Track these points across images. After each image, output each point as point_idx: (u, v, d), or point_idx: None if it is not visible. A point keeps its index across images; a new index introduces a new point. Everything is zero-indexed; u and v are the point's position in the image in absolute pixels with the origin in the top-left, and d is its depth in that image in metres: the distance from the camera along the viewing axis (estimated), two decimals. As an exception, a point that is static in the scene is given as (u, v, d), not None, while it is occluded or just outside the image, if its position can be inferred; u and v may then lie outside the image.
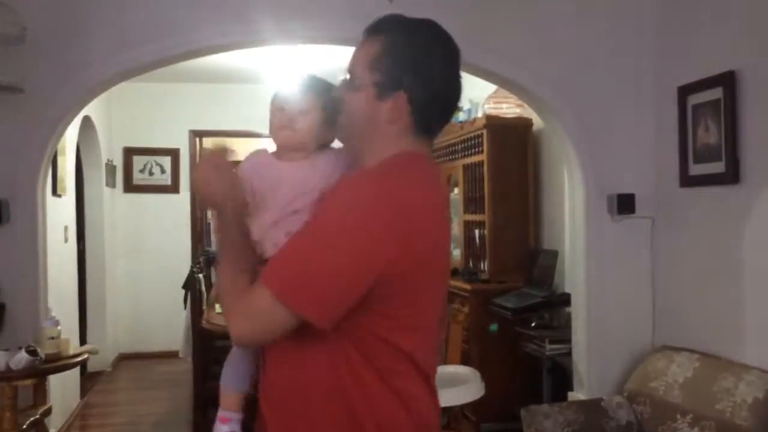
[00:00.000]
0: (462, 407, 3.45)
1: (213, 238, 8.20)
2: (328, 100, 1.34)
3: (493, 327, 4.10)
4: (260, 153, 1.39)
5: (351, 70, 1.29)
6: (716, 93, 3.00)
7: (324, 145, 1.38)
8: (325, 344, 1.18)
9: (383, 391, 1.19)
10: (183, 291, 5.02)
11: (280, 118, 1.35)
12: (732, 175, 2.92)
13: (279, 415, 1.26)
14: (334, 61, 5.68)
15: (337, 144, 1.39)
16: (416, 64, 1.24)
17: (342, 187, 1.20)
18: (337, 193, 1.19)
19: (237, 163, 1.34)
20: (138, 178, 6.86)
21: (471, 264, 4.84)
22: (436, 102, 1.27)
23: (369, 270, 1.13)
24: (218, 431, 1.39)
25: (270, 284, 1.14)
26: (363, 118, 1.26)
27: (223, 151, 1.31)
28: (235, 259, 1.24)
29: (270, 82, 6.32)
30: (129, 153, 6.80)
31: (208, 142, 7.94)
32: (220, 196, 1.25)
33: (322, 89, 1.36)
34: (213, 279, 5.94)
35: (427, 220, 1.20)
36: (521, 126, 4.58)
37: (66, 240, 4.74)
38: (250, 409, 1.38)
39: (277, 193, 1.30)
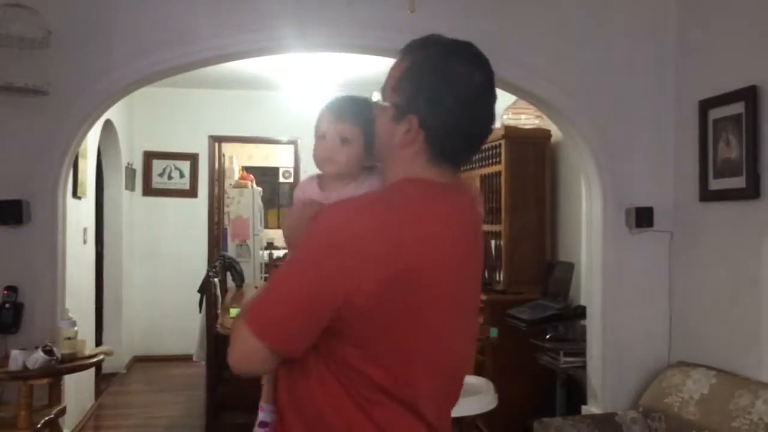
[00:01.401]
0: (474, 418, 3.43)
1: (230, 242, 8.26)
2: (369, 124, 1.31)
3: (493, 332, 4.06)
4: (309, 185, 1.38)
5: (382, 89, 1.27)
6: (738, 107, 2.98)
7: (371, 167, 1.37)
8: (308, 367, 1.20)
9: (362, 421, 1.17)
10: (198, 295, 5.04)
11: (323, 148, 1.34)
12: (752, 190, 2.89)
13: (284, 426, 1.27)
14: (354, 69, 5.75)
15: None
16: (431, 88, 1.19)
17: (318, 215, 1.19)
18: (320, 219, 1.18)
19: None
20: (157, 181, 6.91)
21: (486, 274, 4.82)
22: (453, 128, 1.20)
23: (326, 300, 1.12)
24: (258, 418, 1.46)
25: (250, 323, 1.15)
26: (382, 140, 1.25)
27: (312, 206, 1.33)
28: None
29: (289, 89, 6.36)
30: (149, 157, 6.86)
31: (227, 148, 8.03)
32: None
33: (361, 113, 1.33)
34: (228, 283, 5.97)
35: (412, 249, 1.14)
36: (540, 137, 4.57)
37: (85, 242, 4.79)
38: None
39: None
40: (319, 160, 1.36)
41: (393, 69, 1.26)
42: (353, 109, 1.35)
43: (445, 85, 1.19)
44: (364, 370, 1.16)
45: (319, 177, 1.39)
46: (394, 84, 1.23)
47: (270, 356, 1.16)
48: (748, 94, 2.90)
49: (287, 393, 1.25)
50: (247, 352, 1.16)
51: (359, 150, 1.33)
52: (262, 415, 1.44)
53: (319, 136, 1.36)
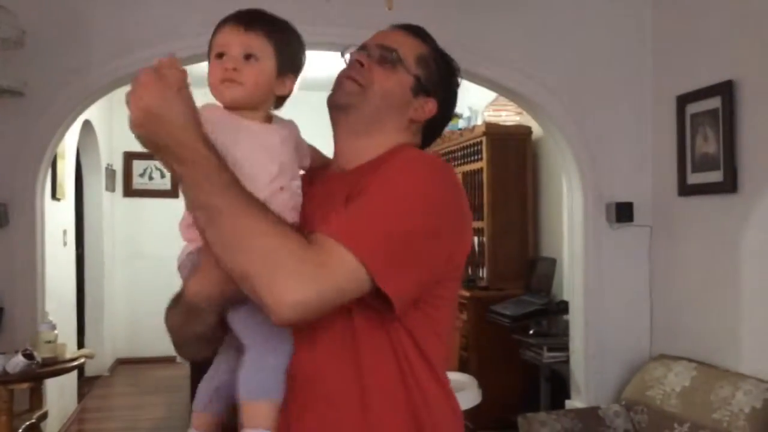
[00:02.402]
0: (459, 414, 3.43)
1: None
2: (283, 41, 1.09)
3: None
4: (213, 108, 1.08)
5: (395, 48, 1.18)
6: (715, 102, 3.01)
7: (281, 100, 1.15)
8: (383, 336, 1.05)
9: (438, 391, 1.11)
10: (181, 296, 5.02)
11: (222, 67, 1.06)
12: (730, 184, 2.92)
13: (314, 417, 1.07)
14: (335, 68, 5.69)
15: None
16: (449, 82, 1.26)
17: (417, 159, 1.09)
18: (414, 166, 1.07)
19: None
20: (138, 182, 6.86)
21: (470, 271, 4.83)
22: (445, 122, 1.28)
23: (446, 262, 1.08)
24: None
25: (350, 243, 0.95)
26: (392, 100, 1.18)
27: (180, 69, 0.98)
28: (257, 214, 0.95)
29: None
30: (129, 157, 6.80)
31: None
32: (186, 126, 0.95)
33: (273, 26, 1.09)
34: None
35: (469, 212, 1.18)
36: (520, 134, 4.59)
37: (65, 244, 4.74)
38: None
39: (256, 163, 1.04)
40: (216, 84, 1.06)
41: (406, 40, 1.21)
42: (265, 20, 1.09)
43: (455, 84, 1.27)
44: (434, 342, 1.10)
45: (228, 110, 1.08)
46: (417, 57, 1.20)
47: (364, 286, 0.97)
48: (725, 89, 2.94)
49: (331, 378, 1.06)
50: (348, 288, 0.95)
51: (270, 72, 1.07)
52: None
53: (216, 54, 1.07)
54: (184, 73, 0.98)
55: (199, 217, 0.97)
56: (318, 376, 1.07)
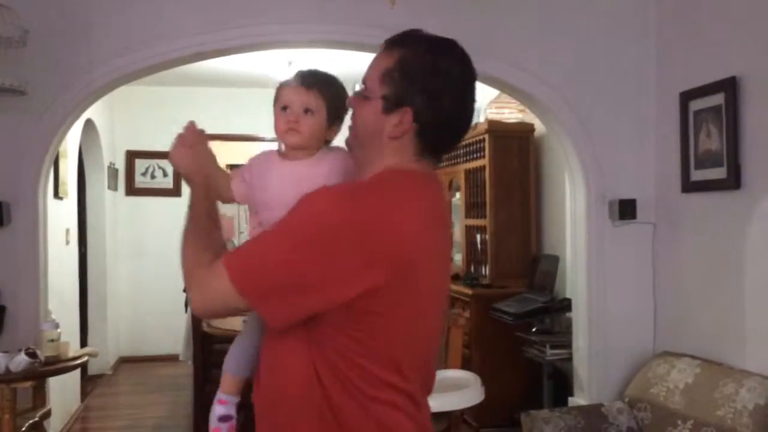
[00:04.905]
0: (462, 412, 3.43)
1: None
2: (332, 98, 1.34)
3: None
4: (266, 152, 1.39)
5: (365, 79, 1.28)
6: (718, 99, 3.00)
7: (329, 142, 1.38)
8: (299, 355, 1.19)
9: (361, 418, 1.17)
10: (184, 294, 5.01)
11: (286, 119, 1.34)
12: (733, 181, 2.91)
13: (263, 423, 1.27)
14: (339, 66, 5.72)
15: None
16: (426, 82, 1.21)
17: (322, 195, 1.16)
18: (317, 200, 1.15)
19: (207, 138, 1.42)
20: (140, 181, 6.86)
21: (472, 269, 4.83)
22: (444, 123, 1.24)
23: (334, 293, 1.12)
24: (215, 413, 1.42)
25: (230, 268, 1.16)
26: (369, 129, 1.25)
27: (197, 131, 1.39)
28: (200, 234, 1.27)
29: (273, 86, 6.33)
30: (131, 156, 6.80)
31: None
32: (192, 169, 1.35)
33: (325, 86, 1.35)
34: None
35: (403, 240, 1.15)
36: (523, 131, 4.58)
37: (67, 243, 4.74)
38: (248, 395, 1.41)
39: (266, 191, 1.33)
40: (281, 132, 1.34)
41: (378, 61, 1.27)
42: (319, 81, 1.35)
43: (440, 82, 1.22)
44: (367, 366, 1.16)
45: (278, 151, 1.39)
46: (381, 76, 1.23)
47: (237, 303, 1.18)
48: (728, 85, 2.93)
49: (270, 388, 1.25)
50: (226, 303, 1.19)
51: (322, 122, 1.34)
52: (223, 409, 1.41)
53: (281, 107, 1.35)
54: (198, 135, 1.39)
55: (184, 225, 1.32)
56: (260, 399, 1.29)
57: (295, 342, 1.19)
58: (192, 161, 1.35)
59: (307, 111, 1.33)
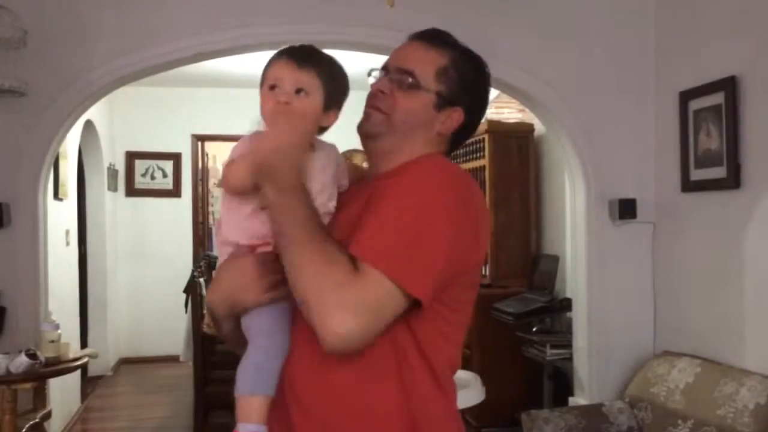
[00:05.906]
0: (462, 412, 3.44)
1: (215, 240, 8.13)
2: (330, 79, 1.17)
3: None
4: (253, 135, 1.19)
5: (411, 70, 1.22)
6: (717, 98, 3.00)
7: (324, 130, 1.23)
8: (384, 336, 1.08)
9: (435, 393, 1.15)
10: (184, 295, 5.01)
11: (275, 99, 1.14)
12: (733, 180, 2.91)
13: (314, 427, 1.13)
14: (343, 65, 5.69)
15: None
16: (477, 87, 1.28)
17: (435, 168, 1.16)
18: (433, 174, 1.14)
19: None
20: (140, 182, 6.86)
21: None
22: (474, 127, 1.31)
23: (461, 263, 1.13)
24: None
25: (388, 268, 1.03)
26: (414, 120, 1.23)
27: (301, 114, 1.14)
28: (317, 248, 1.04)
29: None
30: (131, 157, 6.80)
31: (210, 147, 7.97)
32: (288, 165, 1.08)
33: (322, 64, 1.17)
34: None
35: (487, 222, 1.23)
36: (523, 131, 4.58)
37: (67, 244, 4.74)
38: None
39: None
40: (269, 114, 1.14)
41: (424, 54, 1.24)
42: (315, 58, 1.17)
43: (484, 86, 1.31)
44: (429, 342, 1.13)
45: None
46: (437, 72, 1.23)
47: (403, 307, 1.05)
48: (728, 85, 2.93)
49: (328, 386, 1.12)
50: (388, 310, 1.03)
51: (316, 105, 1.15)
52: None
53: (270, 86, 1.15)
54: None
55: (279, 243, 1.10)
56: (309, 399, 1.13)
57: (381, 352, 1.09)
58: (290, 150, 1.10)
59: (299, 91, 1.13)
